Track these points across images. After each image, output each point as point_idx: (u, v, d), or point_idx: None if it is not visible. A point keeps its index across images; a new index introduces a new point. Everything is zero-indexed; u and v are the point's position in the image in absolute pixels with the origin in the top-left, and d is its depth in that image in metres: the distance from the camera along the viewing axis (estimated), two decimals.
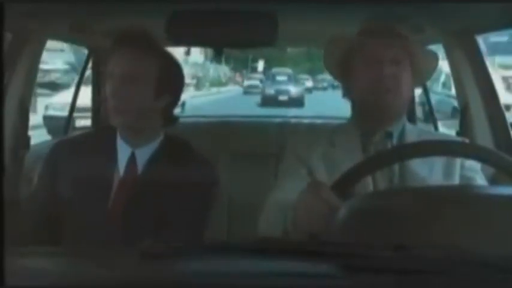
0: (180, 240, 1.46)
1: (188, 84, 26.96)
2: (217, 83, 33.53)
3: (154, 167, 1.56)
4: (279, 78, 24.50)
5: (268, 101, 20.94)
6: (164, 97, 1.54)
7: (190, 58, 28.04)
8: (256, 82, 29.91)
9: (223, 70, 36.73)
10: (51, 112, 9.52)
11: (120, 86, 1.50)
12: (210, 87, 31.20)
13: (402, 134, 1.52)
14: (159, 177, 1.53)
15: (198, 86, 29.19)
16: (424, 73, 1.58)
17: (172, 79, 1.56)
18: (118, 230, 1.49)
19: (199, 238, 1.55)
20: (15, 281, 0.77)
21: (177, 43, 1.95)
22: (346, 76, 1.54)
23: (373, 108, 1.47)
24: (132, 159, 1.56)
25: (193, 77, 29.74)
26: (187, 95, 23.65)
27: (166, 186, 1.51)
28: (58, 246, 1.47)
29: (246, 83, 31.23)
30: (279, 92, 22.00)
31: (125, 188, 1.54)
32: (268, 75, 26.87)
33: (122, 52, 1.53)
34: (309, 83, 31.22)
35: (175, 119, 1.64)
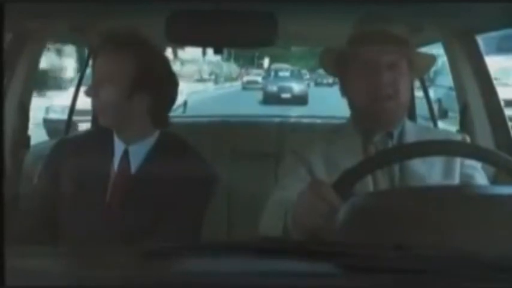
0: (174, 238, 1.47)
1: (207, 80, 29.99)
2: (230, 78, 35.18)
3: (148, 164, 1.56)
4: (282, 74, 23.60)
5: (270, 98, 20.20)
6: (142, 97, 1.53)
7: (207, 57, 30.33)
8: (255, 78, 29.49)
9: (233, 67, 37.85)
10: (52, 115, 9.30)
11: (95, 87, 1.54)
12: (224, 82, 33.09)
13: (402, 132, 1.52)
14: (152, 174, 1.53)
15: (216, 81, 31.76)
16: (420, 72, 1.59)
17: (151, 80, 1.54)
18: (114, 227, 1.49)
19: (193, 235, 1.55)
20: (15, 281, 0.77)
21: (177, 43, 1.95)
22: (343, 80, 1.54)
23: (374, 114, 1.46)
24: (125, 155, 1.57)
25: (210, 74, 33.02)
26: (211, 88, 24.33)
27: (161, 183, 1.51)
28: (58, 246, 1.47)
29: (245, 78, 30.56)
30: (282, 90, 21.13)
31: (119, 184, 1.55)
32: (270, 71, 25.81)
33: (101, 54, 1.57)
34: (314, 80, 30.31)
35: (164, 118, 1.61)
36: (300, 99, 19.93)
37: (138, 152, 1.57)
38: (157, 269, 0.83)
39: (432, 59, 1.55)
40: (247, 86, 28.02)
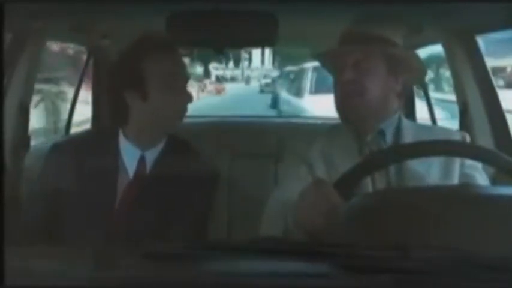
0: (185, 239, 1.47)
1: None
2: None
3: (161, 168, 1.57)
4: None
5: None
6: (161, 102, 1.54)
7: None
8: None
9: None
10: None
11: (119, 91, 1.57)
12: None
13: (398, 131, 1.51)
14: (165, 178, 1.54)
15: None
16: (415, 72, 1.57)
17: (171, 84, 1.55)
18: (126, 230, 1.49)
19: (204, 236, 1.56)
20: (15, 281, 0.77)
21: (177, 43, 1.95)
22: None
23: (345, 112, 1.51)
24: (142, 161, 1.57)
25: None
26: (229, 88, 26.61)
27: (173, 186, 1.52)
28: (58, 246, 1.47)
29: (263, 81, 29.64)
30: None
31: (134, 189, 1.55)
32: (283, 73, 24.48)
33: (126, 58, 1.58)
34: None
35: (178, 123, 1.61)
36: None
37: (152, 157, 1.58)
38: (157, 269, 0.83)
39: (416, 59, 1.54)
40: (265, 89, 26.56)
